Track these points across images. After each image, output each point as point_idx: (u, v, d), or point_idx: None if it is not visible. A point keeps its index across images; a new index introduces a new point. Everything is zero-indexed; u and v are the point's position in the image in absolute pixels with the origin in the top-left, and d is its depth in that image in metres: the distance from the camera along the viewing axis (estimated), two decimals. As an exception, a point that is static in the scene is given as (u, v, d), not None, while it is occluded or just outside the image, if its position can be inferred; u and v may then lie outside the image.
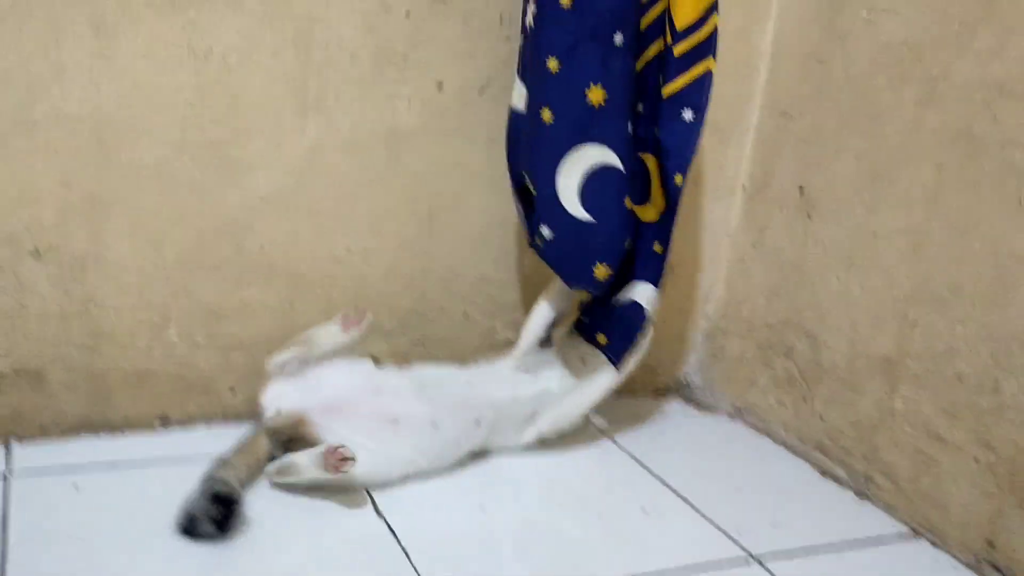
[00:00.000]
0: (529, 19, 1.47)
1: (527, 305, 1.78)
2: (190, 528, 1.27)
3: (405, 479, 1.48)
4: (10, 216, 1.38)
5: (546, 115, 1.46)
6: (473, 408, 1.55)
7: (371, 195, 1.59)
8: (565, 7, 1.42)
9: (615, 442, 1.72)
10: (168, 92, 1.41)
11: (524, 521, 1.44)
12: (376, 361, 1.57)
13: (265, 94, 1.47)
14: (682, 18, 1.46)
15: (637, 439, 1.75)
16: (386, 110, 1.56)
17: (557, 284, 1.62)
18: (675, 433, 1.82)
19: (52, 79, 1.34)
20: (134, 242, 1.46)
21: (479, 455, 1.59)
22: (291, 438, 1.43)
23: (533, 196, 1.53)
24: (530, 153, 1.52)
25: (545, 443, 1.65)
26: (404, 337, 1.71)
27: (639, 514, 1.49)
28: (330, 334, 1.52)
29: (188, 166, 1.46)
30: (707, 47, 1.49)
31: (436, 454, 1.51)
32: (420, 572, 1.26)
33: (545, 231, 1.51)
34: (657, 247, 1.59)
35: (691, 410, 1.94)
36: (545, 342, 1.67)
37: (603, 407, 1.74)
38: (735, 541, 1.44)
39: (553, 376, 1.65)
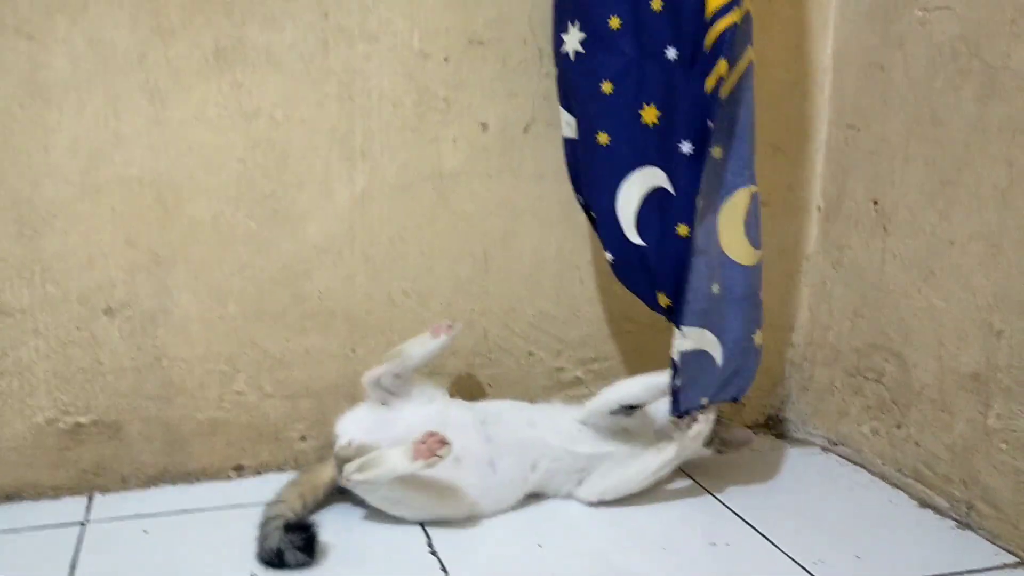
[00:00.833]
0: (571, 47, 1.48)
1: (594, 342, 1.76)
2: (279, 560, 1.30)
3: (464, 519, 1.46)
4: (82, 276, 1.48)
5: (602, 139, 1.47)
6: (530, 450, 1.52)
7: (422, 237, 1.62)
8: (614, 29, 1.43)
9: (694, 479, 1.65)
10: (220, 151, 1.50)
11: (583, 557, 1.39)
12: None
13: (312, 146, 1.53)
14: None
15: (719, 476, 1.66)
16: (431, 153, 1.59)
17: (653, 377, 1.51)
18: (760, 469, 1.72)
19: (113, 146, 1.45)
20: (198, 296, 1.54)
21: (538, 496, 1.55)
22: None
23: (594, 220, 1.53)
24: (588, 178, 1.53)
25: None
26: (470, 380, 1.71)
27: (705, 547, 1.42)
28: (420, 343, 1.53)
29: (243, 220, 1.53)
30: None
31: (493, 495, 1.48)
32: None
33: (608, 255, 1.51)
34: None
35: (782, 445, 1.84)
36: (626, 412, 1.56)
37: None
38: (809, 573, 1.34)
39: (615, 442, 1.56)
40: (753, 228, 1.49)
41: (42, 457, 1.52)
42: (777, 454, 1.79)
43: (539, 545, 1.41)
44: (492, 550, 1.40)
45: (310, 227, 1.56)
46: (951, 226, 1.50)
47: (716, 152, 1.44)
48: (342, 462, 1.43)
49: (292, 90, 1.50)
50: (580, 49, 1.48)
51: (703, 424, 1.50)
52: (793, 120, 1.77)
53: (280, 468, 1.65)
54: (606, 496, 1.53)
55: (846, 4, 1.71)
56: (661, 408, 1.53)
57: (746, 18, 1.40)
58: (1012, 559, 1.38)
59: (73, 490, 1.55)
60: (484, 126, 1.61)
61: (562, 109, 1.54)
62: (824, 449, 1.80)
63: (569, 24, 1.48)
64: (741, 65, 1.42)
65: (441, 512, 1.45)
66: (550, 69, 1.58)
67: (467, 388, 1.71)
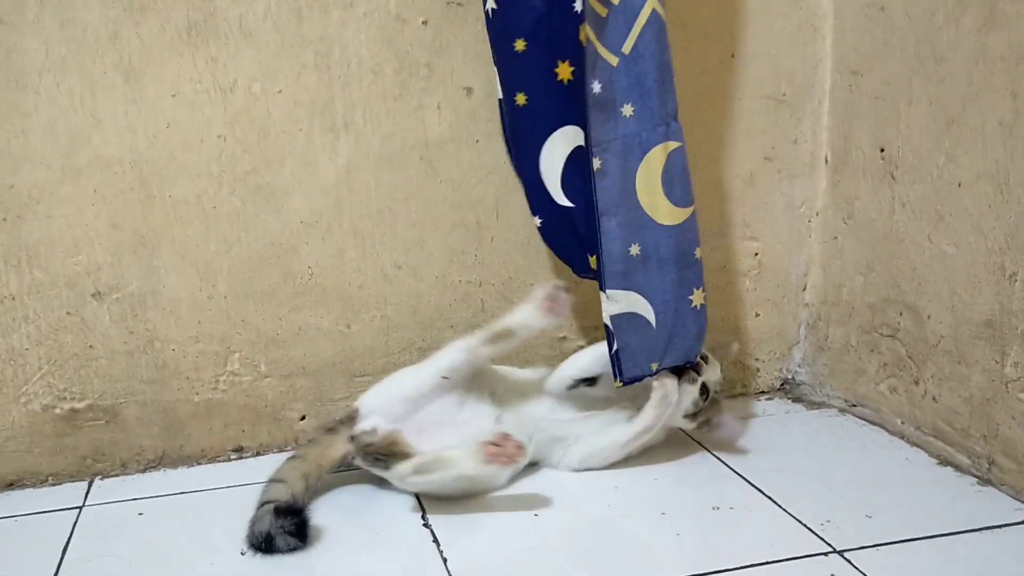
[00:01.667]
0: (490, 3, 1.44)
1: (595, 309, 1.70)
2: (267, 546, 1.27)
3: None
4: (68, 261, 1.47)
5: (520, 99, 1.45)
6: (527, 423, 1.48)
7: (411, 208, 1.59)
8: None
9: (702, 446, 1.59)
10: (199, 127, 1.48)
11: (581, 525, 1.35)
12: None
13: (292, 119, 1.51)
14: None
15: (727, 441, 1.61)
16: (416, 121, 1.56)
17: (601, 346, 1.48)
18: (772, 432, 1.66)
19: (91, 128, 1.44)
20: (186, 276, 1.52)
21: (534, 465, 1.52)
22: (384, 454, 1.40)
23: (523, 185, 1.51)
24: (513, 141, 1.51)
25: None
26: (471, 352, 1.67)
27: (706, 511, 1.36)
28: (527, 319, 1.40)
29: (227, 197, 1.51)
30: None
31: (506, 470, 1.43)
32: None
33: (536, 220, 1.50)
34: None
35: (798, 408, 1.77)
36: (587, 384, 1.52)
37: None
38: (816, 535, 1.28)
39: (595, 409, 1.53)
40: (677, 187, 1.41)
41: (40, 444, 1.52)
42: (791, 417, 1.73)
43: (535, 515, 1.37)
44: (488, 522, 1.36)
45: (295, 202, 1.54)
46: (958, 168, 1.43)
47: (626, 111, 1.38)
48: (364, 446, 1.40)
49: (268, 62, 1.48)
50: (494, 5, 1.43)
51: (663, 390, 1.44)
52: (795, 70, 1.71)
53: (280, 448, 1.63)
54: (589, 463, 1.49)
55: (843, -55, 1.65)
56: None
57: None
58: (1035, 513, 1.31)
59: (73, 476, 1.55)
60: (469, 91, 1.57)
61: (496, 68, 1.50)
62: (841, 411, 1.73)
63: None
64: (641, 18, 1.34)
65: (460, 489, 1.40)
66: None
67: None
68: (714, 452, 1.56)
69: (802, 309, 1.82)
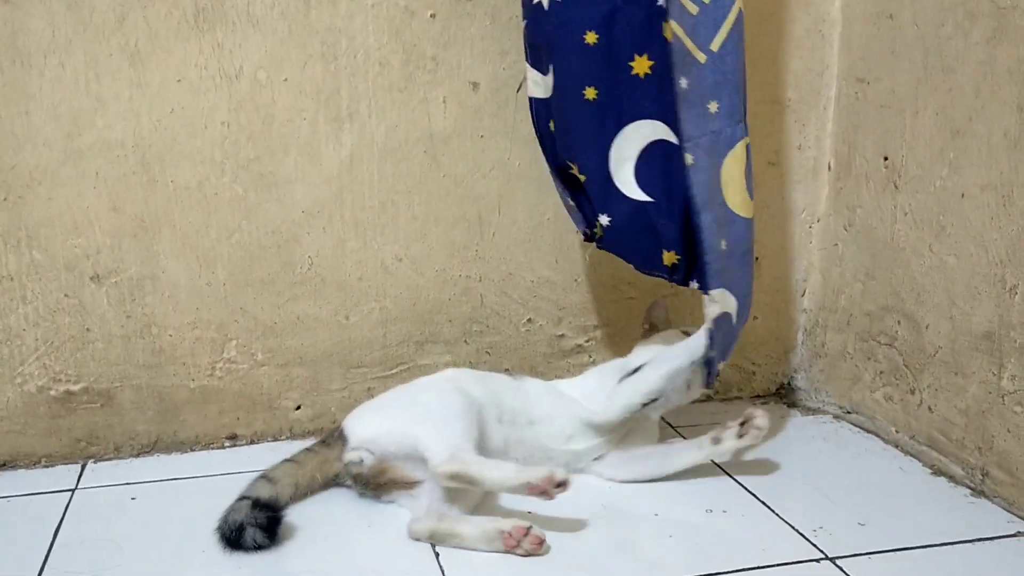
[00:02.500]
0: None
1: (595, 308, 1.71)
2: (236, 538, 1.24)
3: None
4: (68, 243, 1.47)
5: (590, 94, 1.40)
6: (531, 452, 1.45)
7: (413, 201, 1.58)
8: None
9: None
10: (203, 113, 1.47)
11: (572, 526, 1.34)
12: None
13: (297, 108, 1.50)
14: None
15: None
16: (421, 114, 1.55)
17: (668, 364, 1.44)
18: (767, 437, 1.65)
19: (94, 110, 1.43)
20: (185, 262, 1.52)
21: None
22: (378, 484, 1.38)
23: (582, 184, 1.46)
24: (572, 138, 1.45)
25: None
26: (468, 346, 1.67)
27: (700, 514, 1.36)
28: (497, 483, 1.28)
29: (229, 184, 1.50)
30: None
31: None
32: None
33: (604, 219, 1.44)
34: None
35: (793, 414, 1.78)
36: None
37: (692, 416, 1.65)
38: (809, 541, 1.28)
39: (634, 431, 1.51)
40: (750, 180, 1.42)
41: (34, 425, 1.52)
42: (786, 423, 1.73)
43: (528, 512, 1.36)
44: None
45: (297, 191, 1.53)
46: (961, 178, 1.43)
47: (712, 107, 1.37)
48: (354, 477, 1.38)
49: (275, 50, 1.47)
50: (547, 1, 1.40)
51: (757, 433, 1.42)
52: (802, 76, 1.70)
53: (275, 437, 1.63)
54: (632, 481, 1.47)
55: (854, -49, 1.64)
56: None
57: None
58: (1028, 526, 1.32)
59: (67, 459, 1.54)
60: (475, 86, 1.57)
61: (528, 67, 1.47)
62: (836, 417, 1.74)
63: None
64: (731, 17, 1.35)
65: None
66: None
67: (464, 357, 1.67)
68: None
69: (800, 314, 1.82)
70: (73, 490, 1.45)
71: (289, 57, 1.48)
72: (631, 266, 1.52)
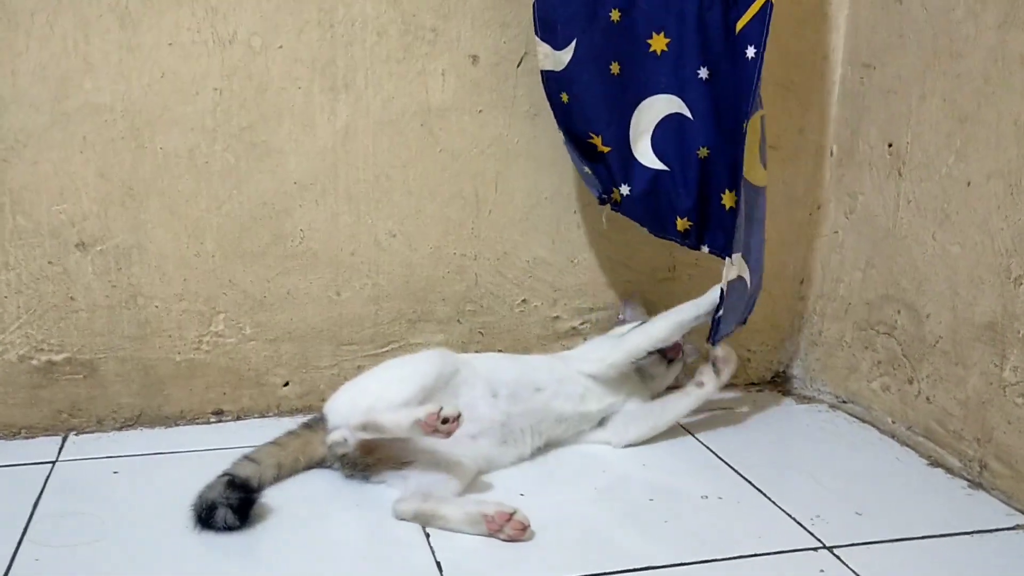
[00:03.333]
0: None
1: (591, 290, 1.68)
2: (207, 517, 1.21)
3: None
4: (53, 208, 1.43)
5: (615, 68, 1.46)
6: (538, 420, 1.45)
7: (409, 176, 1.55)
8: None
9: (693, 435, 1.57)
10: (195, 79, 1.43)
11: (565, 511, 1.32)
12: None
13: (292, 76, 1.46)
14: None
15: (719, 433, 1.58)
16: (418, 87, 1.52)
17: (676, 316, 1.51)
18: (762, 425, 1.64)
19: (83, 72, 1.39)
20: (173, 232, 1.48)
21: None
22: (366, 465, 1.36)
23: (603, 154, 1.50)
24: (597, 111, 1.49)
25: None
26: (461, 326, 1.64)
27: (695, 500, 1.34)
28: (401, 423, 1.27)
29: (220, 153, 1.47)
30: None
31: (502, 460, 1.42)
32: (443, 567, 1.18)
33: (624, 189, 1.50)
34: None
35: (788, 402, 1.75)
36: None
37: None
38: (807, 529, 1.26)
39: (623, 389, 1.54)
40: (763, 150, 1.47)
41: (15, 395, 1.48)
42: (781, 411, 1.71)
43: (521, 495, 1.34)
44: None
45: (290, 162, 1.50)
46: (968, 166, 1.41)
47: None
48: (340, 458, 1.35)
49: (270, 16, 1.43)
50: None
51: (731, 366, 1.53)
52: (806, 59, 1.67)
53: (262, 414, 1.60)
54: (637, 441, 1.51)
55: (864, -67, 1.61)
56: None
57: None
58: (1024, 519, 1.30)
59: (48, 430, 1.51)
60: (475, 59, 1.53)
61: (539, 40, 1.47)
62: (832, 407, 1.72)
63: None
64: (758, 2, 1.37)
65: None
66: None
67: (457, 336, 1.64)
68: (703, 441, 1.54)
69: (797, 302, 1.80)
70: (54, 462, 1.41)
71: (284, 23, 1.44)
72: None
